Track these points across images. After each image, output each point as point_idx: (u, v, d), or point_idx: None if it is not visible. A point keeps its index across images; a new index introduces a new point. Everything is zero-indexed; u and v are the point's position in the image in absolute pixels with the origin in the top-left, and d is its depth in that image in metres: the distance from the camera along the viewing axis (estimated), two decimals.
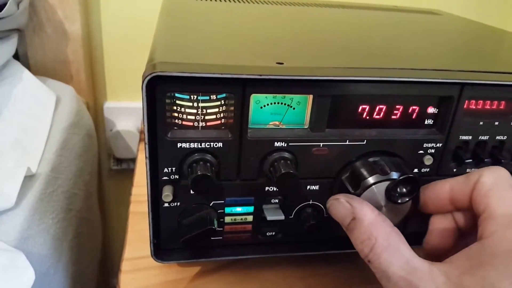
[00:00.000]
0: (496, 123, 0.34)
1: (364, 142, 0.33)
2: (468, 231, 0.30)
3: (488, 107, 0.34)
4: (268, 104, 0.32)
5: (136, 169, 0.52)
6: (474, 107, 0.34)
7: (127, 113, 0.75)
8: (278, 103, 0.32)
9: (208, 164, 0.30)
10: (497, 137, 0.35)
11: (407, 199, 0.32)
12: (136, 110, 0.75)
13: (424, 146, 0.34)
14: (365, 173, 0.32)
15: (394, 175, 0.32)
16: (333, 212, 0.30)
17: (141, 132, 0.62)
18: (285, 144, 0.32)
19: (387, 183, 0.31)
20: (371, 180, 0.32)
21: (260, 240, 0.36)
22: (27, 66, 0.63)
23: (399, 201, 0.32)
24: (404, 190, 0.32)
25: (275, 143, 0.32)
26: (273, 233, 0.36)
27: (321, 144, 0.32)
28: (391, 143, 0.33)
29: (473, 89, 0.33)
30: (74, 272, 0.46)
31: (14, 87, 0.53)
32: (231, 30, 0.42)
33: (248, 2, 0.58)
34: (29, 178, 0.42)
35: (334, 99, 0.31)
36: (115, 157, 0.78)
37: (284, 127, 0.33)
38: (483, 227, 0.25)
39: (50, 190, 0.43)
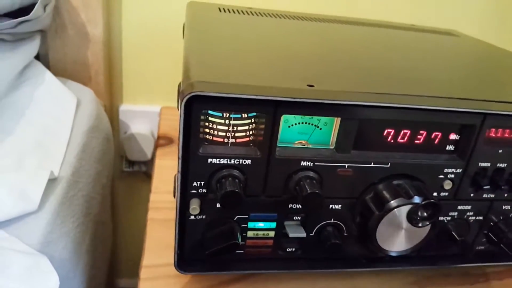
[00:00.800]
0: None
1: (388, 165, 0.34)
2: None
3: (508, 136, 0.35)
4: (296, 124, 0.33)
5: (153, 175, 0.53)
6: (494, 135, 0.35)
7: (142, 116, 0.76)
8: (305, 123, 0.33)
9: (237, 180, 0.31)
10: None
11: (428, 223, 0.33)
12: (151, 113, 0.76)
13: (444, 171, 0.35)
14: (388, 195, 0.33)
15: (417, 199, 0.32)
16: None
17: (158, 137, 0.63)
18: (311, 163, 0.33)
19: (409, 206, 0.32)
20: (394, 203, 0.33)
21: (280, 256, 0.37)
22: (47, 66, 0.63)
23: (420, 224, 0.32)
24: (425, 214, 0.33)
25: (302, 162, 0.32)
26: (293, 249, 0.36)
27: (346, 165, 0.33)
28: (414, 167, 0.34)
29: (495, 118, 0.34)
30: (91, 275, 0.46)
31: (36, 88, 0.54)
32: (261, 47, 0.43)
33: (272, 16, 0.59)
34: (51, 181, 0.43)
35: (360, 122, 0.32)
36: (127, 159, 0.79)
37: (310, 146, 0.34)
38: None
39: (71, 194, 0.44)
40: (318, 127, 0.33)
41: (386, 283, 0.41)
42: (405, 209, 0.33)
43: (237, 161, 0.31)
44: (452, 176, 0.35)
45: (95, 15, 0.65)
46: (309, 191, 0.31)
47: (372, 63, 0.43)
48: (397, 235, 0.34)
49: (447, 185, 0.36)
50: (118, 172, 0.81)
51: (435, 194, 0.36)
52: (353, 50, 0.48)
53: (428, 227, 0.34)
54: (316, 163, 0.33)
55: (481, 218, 0.38)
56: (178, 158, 0.30)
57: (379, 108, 0.32)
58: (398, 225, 0.33)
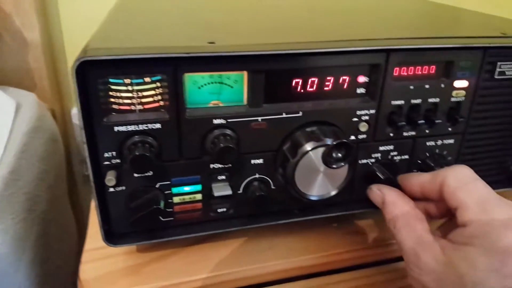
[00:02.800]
0: (427, 86, 0.36)
1: (300, 114, 0.34)
2: (435, 217, 0.34)
3: (417, 72, 0.36)
4: (205, 84, 0.33)
5: None
6: (403, 73, 0.36)
7: None
8: (215, 82, 0.33)
9: (147, 145, 0.31)
10: (430, 100, 0.37)
11: (342, 164, 0.33)
12: None
13: (357, 113, 0.36)
14: (301, 141, 0.34)
15: (328, 141, 0.33)
16: (371, 198, 0.37)
17: None
18: (224, 121, 0.33)
19: (322, 149, 0.33)
20: (307, 147, 0.33)
21: (212, 217, 0.37)
22: None
23: (335, 166, 0.33)
24: (339, 155, 0.34)
25: (214, 120, 0.33)
26: (225, 209, 0.37)
27: (260, 118, 0.34)
28: (326, 113, 0.35)
29: (399, 55, 0.34)
30: (42, 271, 0.46)
31: None
32: (166, 15, 0.44)
33: None
34: None
35: (267, 74, 0.33)
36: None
37: (223, 105, 0.34)
38: (462, 217, 0.29)
39: (10, 192, 0.44)
40: (229, 85, 0.34)
41: (330, 234, 0.42)
42: (319, 152, 0.33)
43: (146, 127, 0.32)
44: (367, 117, 0.36)
45: (30, 19, 0.65)
46: (221, 146, 0.32)
47: (278, 22, 0.44)
48: (318, 179, 0.35)
49: (363, 127, 0.36)
50: (80, 176, 0.81)
51: (352, 137, 0.37)
52: (261, 11, 0.49)
53: (346, 168, 0.35)
54: (229, 120, 0.33)
55: (407, 157, 0.39)
56: (81, 129, 0.30)
57: (282, 57, 0.32)
58: (315, 169, 0.34)
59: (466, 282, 0.26)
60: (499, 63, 0.37)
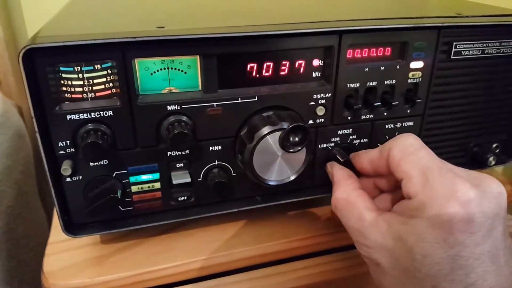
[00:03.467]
0: (382, 68, 0.37)
1: (256, 99, 0.34)
2: (387, 191, 0.34)
3: (371, 54, 0.36)
4: (158, 71, 0.33)
5: None
6: (357, 55, 0.36)
7: None
8: (167, 68, 0.33)
9: (100, 132, 0.31)
10: (386, 82, 0.37)
11: (300, 148, 0.33)
12: None
13: (314, 97, 0.36)
14: (258, 126, 0.34)
15: (285, 125, 0.33)
16: (327, 172, 0.37)
17: None
18: (179, 107, 0.33)
19: (279, 133, 0.33)
20: (264, 131, 0.33)
21: (173, 206, 0.37)
22: None
23: (292, 149, 0.33)
24: (297, 139, 0.34)
25: (168, 107, 0.33)
26: (185, 197, 0.37)
27: (215, 104, 0.34)
28: (282, 97, 0.35)
29: (351, 36, 0.34)
30: (9, 267, 0.45)
31: None
32: (118, 3, 0.43)
33: None
34: None
35: (220, 58, 0.33)
36: None
37: (179, 91, 0.34)
38: (407, 189, 0.28)
39: None
40: (182, 71, 0.34)
41: (294, 220, 0.42)
42: (275, 136, 0.33)
43: (98, 114, 0.31)
44: (323, 101, 0.36)
45: None
46: (175, 132, 0.31)
47: (233, 7, 0.44)
48: (276, 164, 0.35)
49: (320, 111, 0.36)
50: None
51: (311, 121, 0.37)
52: None
53: (304, 152, 0.35)
54: (183, 106, 0.33)
55: (366, 140, 0.39)
56: (32, 117, 0.30)
57: (234, 40, 0.32)
58: (273, 153, 0.34)
59: (415, 254, 0.26)
60: (454, 43, 0.38)
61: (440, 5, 0.47)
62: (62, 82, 0.31)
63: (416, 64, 0.37)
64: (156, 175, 0.35)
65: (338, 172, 0.35)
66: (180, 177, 0.35)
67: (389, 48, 0.37)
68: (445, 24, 0.36)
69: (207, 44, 0.32)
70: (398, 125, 0.40)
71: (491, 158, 0.44)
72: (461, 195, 0.25)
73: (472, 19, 0.38)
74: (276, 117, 0.34)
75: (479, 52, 0.39)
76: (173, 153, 0.35)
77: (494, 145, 0.45)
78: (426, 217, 0.26)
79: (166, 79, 0.33)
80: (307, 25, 0.34)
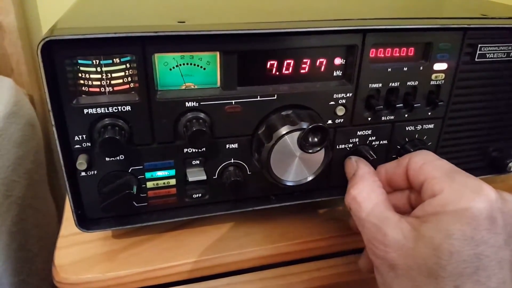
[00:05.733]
0: (405, 69, 0.36)
1: (275, 97, 0.34)
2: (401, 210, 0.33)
3: (395, 54, 0.35)
4: (177, 66, 0.32)
5: None
6: (380, 55, 0.35)
7: None
8: (187, 63, 0.32)
9: (117, 128, 0.31)
10: (409, 83, 0.36)
11: (318, 149, 0.33)
12: None
13: (334, 97, 0.35)
14: (276, 125, 0.33)
15: (304, 125, 0.32)
16: (345, 167, 0.36)
17: None
18: (197, 103, 0.32)
19: (298, 133, 0.32)
20: (282, 130, 0.32)
21: (187, 203, 0.37)
22: None
23: (310, 150, 0.33)
24: (316, 139, 0.33)
25: (186, 103, 0.32)
26: (199, 194, 0.36)
27: (233, 101, 0.33)
28: (302, 96, 0.34)
29: (375, 35, 0.34)
30: (18, 257, 0.45)
31: None
32: None
33: None
34: None
35: (240, 55, 0.32)
36: None
37: (196, 87, 0.33)
38: (431, 187, 0.28)
39: None
40: (201, 67, 0.33)
41: (307, 221, 0.42)
42: (294, 136, 0.32)
43: (115, 109, 0.31)
44: (344, 101, 0.35)
45: (5, 4, 0.63)
46: (194, 129, 0.31)
47: (255, 3, 0.43)
48: (293, 164, 0.34)
49: (340, 111, 0.36)
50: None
51: (330, 121, 0.36)
52: None
53: (322, 152, 0.34)
54: (201, 103, 0.32)
55: (385, 142, 0.39)
56: (49, 111, 0.29)
57: (255, 37, 0.31)
58: (291, 154, 0.33)
59: (442, 252, 0.25)
60: (479, 45, 0.37)
61: (465, 6, 0.46)
62: (80, 75, 0.30)
63: (440, 66, 0.36)
64: (172, 172, 0.35)
65: (364, 167, 0.34)
66: (196, 174, 0.35)
67: (413, 49, 0.36)
68: (471, 26, 0.35)
69: (227, 40, 0.31)
70: (419, 127, 0.39)
71: (510, 164, 0.43)
72: (488, 194, 0.26)
73: (498, 20, 0.37)
74: (295, 117, 0.33)
75: (504, 55, 0.38)
76: (190, 150, 0.34)
77: None
78: (453, 212, 0.26)
79: (185, 74, 0.33)
80: (330, 23, 0.33)
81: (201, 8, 0.39)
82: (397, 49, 0.35)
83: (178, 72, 0.32)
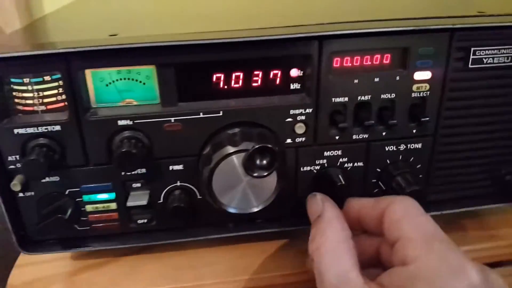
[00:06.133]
0: (376, 79, 0.30)
1: (221, 114, 0.30)
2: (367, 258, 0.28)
3: (365, 63, 0.30)
4: (114, 81, 0.30)
5: None
6: (347, 64, 0.30)
7: None
8: (125, 78, 0.30)
9: (45, 148, 0.29)
10: (384, 96, 0.31)
11: (265, 173, 0.28)
12: None
13: (291, 113, 0.31)
14: (220, 145, 0.29)
15: (249, 145, 0.28)
16: (308, 206, 0.31)
17: None
18: (131, 122, 0.30)
19: (239, 155, 0.28)
20: (223, 152, 0.29)
21: (133, 229, 0.34)
22: None
23: (255, 174, 0.28)
24: (264, 162, 0.29)
25: (119, 121, 0.30)
26: (145, 220, 0.33)
27: (173, 119, 0.30)
28: (253, 112, 0.30)
29: (334, 42, 0.29)
30: None
31: None
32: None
33: None
34: None
35: (178, 68, 0.29)
36: None
37: (136, 103, 0.31)
38: (404, 251, 0.24)
39: None
40: (140, 82, 0.30)
41: (278, 252, 0.37)
42: (240, 158, 0.29)
43: (45, 129, 0.29)
44: (303, 118, 0.31)
45: (11, 17, 0.66)
46: (120, 151, 0.28)
47: (197, 11, 0.40)
48: (239, 190, 0.30)
49: (299, 128, 0.31)
50: None
51: (289, 140, 0.31)
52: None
53: (274, 178, 0.30)
54: (136, 121, 0.30)
55: (361, 164, 0.33)
56: None
57: (194, 48, 0.28)
58: (237, 178, 0.29)
59: None
60: (473, 49, 0.30)
61: (463, 2, 0.39)
62: (14, 94, 0.29)
63: (422, 75, 0.30)
64: (112, 195, 0.32)
65: (332, 210, 0.28)
66: (136, 199, 0.32)
67: (389, 56, 0.30)
68: (458, 26, 0.29)
69: (162, 53, 0.28)
70: (402, 147, 0.33)
71: None
72: (470, 276, 0.22)
73: (497, 18, 0.31)
74: (241, 136, 0.29)
75: (507, 59, 0.31)
76: (128, 172, 0.31)
77: None
78: None
79: (123, 90, 0.30)
80: (281, 30, 0.29)
81: (138, 20, 0.37)
82: (368, 57, 0.30)
83: (115, 88, 0.30)
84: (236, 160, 0.29)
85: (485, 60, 0.31)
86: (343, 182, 0.31)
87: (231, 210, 0.30)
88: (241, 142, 0.29)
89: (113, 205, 0.32)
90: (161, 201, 0.33)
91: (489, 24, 0.30)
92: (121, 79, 0.30)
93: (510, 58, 0.31)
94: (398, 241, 0.25)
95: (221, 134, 0.30)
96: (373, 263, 0.28)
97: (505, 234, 0.38)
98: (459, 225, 0.39)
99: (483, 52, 0.30)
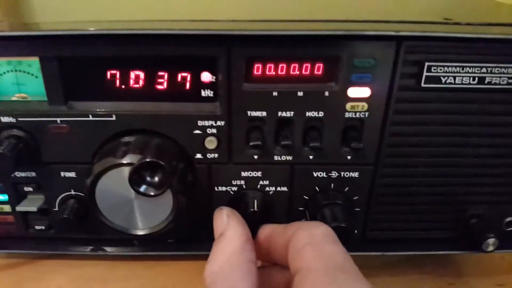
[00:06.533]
0: (300, 93, 0.25)
1: (113, 118, 0.26)
2: None
3: (292, 72, 0.25)
4: (4, 73, 0.26)
5: None
6: (269, 73, 0.25)
7: None
8: (17, 70, 0.26)
9: None
10: (309, 114, 0.25)
11: (153, 193, 0.24)
12: None
13: (199, 124, 0.26)
14: (106, 155, 0.25)
15: (134, 158, 0.24)
16: (214, 221, 0.26)
17: None
18: (14, 119, 0.26)
19: (123, 169, 0.24)
20: (105, 163, 0.25)
21: (33, 234, 0.31)
22: None
23: (141, 190, 0.24)
24: (156, 179, 0.24)
25: (2, 118, 0.26)
26: (43, 227, 0.30)
27: (59, 119, 0.26)
28: (154, 119, 0.26)
29: (246, 46, 0.24)
30: None
31: None
32: None
33: None
34: None
35: (65, 62, 0.25)
36: None
37: (29, 99, 0.27)
38: (303, 283, 0.20)
39: None
40: (33, 75, 0.27)
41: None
42: (122, 173, 0.24)
43: None
44: (214, 131, 0.26)
45: None
46: None
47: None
48: (126, 208, 0.26)
49: (210, 143, 0.26)
50: None
51: (199, 155, 0.27)
52: None
53: (169, 196, 0.25)
54: (20, 119, 0.26)
55: (285, 189, 0.28)
56: None
57: (80, 39, 0.24)
58: (125, 194, 0.25)
59: None
60: (427, 64, 0.24)
61: (431, 7, 0.32)
62: None
63: (358, 92, 0.25)
64: (4, 197, 0.29)
65: (236, 228, 0.24)
66: (28, 204, 0.29)
67: (320, 65, 0.25)
68: (406, 34, 0.23)
69: (45, 43, 0.24)
70: (334, 174, 0.27)
71: (489, 240, 0.28)
72: None
73: (465, 27, 0.24)
74: (134, 146, 0.25)
75: (473, 80, 0.24)
76: (17, 174, 0.28)
77: (507, 220, 0.30)
78: None
79: (18, 84, 0.27)
80: (189, 24, 0.24)
81: (32, 5, 0.33)
82: (296, 65, 0.25)
83: (7, 80, 0.27)
84: (123, 174, 0.25)
85: (443, 79, 0.24)
86: (256, 209, 0.27)
87: (116, 228, 0.26)
88: (123, 154, 0.24)
89: (7, 207, 0.29)
90: (56, 208, 0.29)
91: (452, 34, 0.24)
92: (11, 71, 0.26)
93: (477, 79, 0.24)
94: (297, 275, 0.20)
95: (113, 142, 0.26)
96: None
97: (465, 284, 0.32)
98: (410, 268, 0.33)
99: (440, 69, 0.24)
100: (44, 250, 0.31)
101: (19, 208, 0.28)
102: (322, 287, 0.19)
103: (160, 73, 0.25)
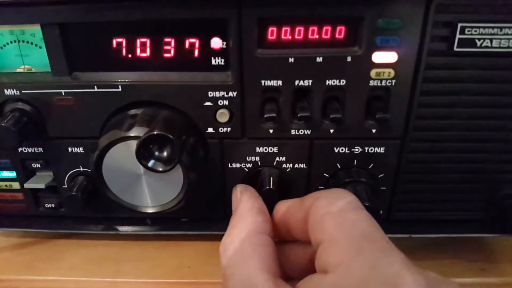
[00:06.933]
0: (319, 59, 0.23)
1: (120, 89, 0.24)
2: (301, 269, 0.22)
3: (310, 37, 0.23)
4: (7, 44, 0.25)
5: None
6: (284, 37, 0.23)
7: None
8: (20, 41, 0.25)
9: None
10: (329, 82, 0.23)
11: (161, 168, 0.23)
12: None
13: (210, 95, 0.24)
14: (112, 128, 0.24)
15: (141, 131, 0.23)
16: (232, 200, 0.25)
17: None
18: (18, 92, 0.25)
19: (130, 142, 0.23)
20: (111, 136, 0.23)
21: (42, 213, 0.30)
22: None
23: (149, 165, 0.23)
24: (165, 154, 0.23)
25: (6, 91, 0.25)
26: (53, 205, 0.29)
27: (63, 91, 0.25)
28: (162, 90, 0.24)
29: (258, 4, 0.22)
30: None
31: None
32: None
33: None
34: None
35: (68, 29, 0.24)
36: None
37: (33, 71, 0.26)
38: (326, 256, 0.19)
39: None
40: (37, 45, 0.25)
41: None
42: (130, 147, 0.23)
43: None
44: (225, 102, 0.24)
45: None
46: None
47: None
48: (136, 184, 0.24)
49: (222, 116, 0.25)
50: None
51: (210, 129, 0.25)
52: None
53: (180, 173, 0.24)
54: (24, 91, 0.25)
55: (303, 166, 0.26)
56: None
57: (83, 3, 0.23)
58: (134, 169, 0.24)
59: None
60: (460, 25, 0.21)
61: None
62: None
63: (384, 57, 0.22)
64: (12, 174, 0.28)
65: (247, 202, 0.23)
66: (36, 181, 0.28)
67: (342, 28, 0.22)
68: None
69: (46, 9, 0.23)
70: (357, 149, 0.25)
71: None
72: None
73: None
74: (141, 119, 0.24)
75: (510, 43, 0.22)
76: (24, 149, 0.27)
77: None
78: None
79: (22, 55, 0.26)
80: None
81: None
82: (315, 28, 0.23)
83: (11, 52, 0.26)
84: (133, 148, 0.24)
85: (478, 42, 0.22)
86: (272, 187, 0.25)
87: (124, 205, 0.25)
88: (130, 127, 0.23)
89: (16, 185, 0.29)
90: (65, 186, 0.28)
91: None
92: (14, 41, 0.25)
93: None
94: (320, 245, 0.19)
95: (120, 115, 0.25)
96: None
97: (498, 270, 0.30)
98: (440, 253, 0.31)
99: (475, 31, 0.22)
100: (56, 229, 0.30)
101: (27, 185, 0.28)
102: (346, 261, 0.17)
103: (167, 40, 0.24)
